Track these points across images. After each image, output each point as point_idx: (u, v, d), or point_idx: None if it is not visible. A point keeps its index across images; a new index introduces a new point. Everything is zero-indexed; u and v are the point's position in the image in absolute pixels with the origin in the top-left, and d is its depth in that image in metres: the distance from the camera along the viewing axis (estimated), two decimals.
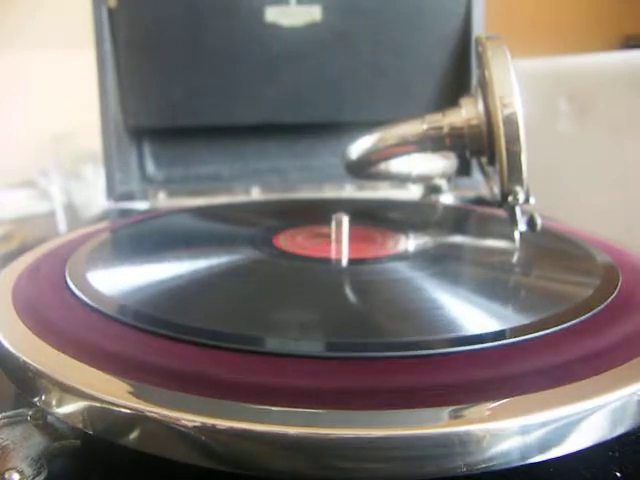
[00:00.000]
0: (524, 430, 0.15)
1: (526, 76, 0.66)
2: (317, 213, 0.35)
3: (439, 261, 0.28)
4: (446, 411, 0.15)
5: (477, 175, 0.55)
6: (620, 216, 0.59)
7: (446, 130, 0.29)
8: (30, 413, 0.19)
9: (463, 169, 0.55)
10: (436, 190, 0.47)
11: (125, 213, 0.51)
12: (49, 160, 0.99)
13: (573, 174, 0.65)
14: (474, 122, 0.28)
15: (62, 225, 0.95)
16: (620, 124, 0.61)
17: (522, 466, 0.16)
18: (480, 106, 0.28)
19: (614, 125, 0.61)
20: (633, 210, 0.58)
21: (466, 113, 0.28)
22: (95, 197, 0.93)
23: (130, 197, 0.54)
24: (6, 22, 0.96)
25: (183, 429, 0.15)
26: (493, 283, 0.26)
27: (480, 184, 0.54)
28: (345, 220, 0.29)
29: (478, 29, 0.55)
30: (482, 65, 0.27)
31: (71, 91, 0.89)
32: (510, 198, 0.27)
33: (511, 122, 0.25)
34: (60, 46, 0.94)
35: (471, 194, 0.54)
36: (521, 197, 0.27)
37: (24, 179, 0.99)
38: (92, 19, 0.52)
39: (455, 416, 0.15)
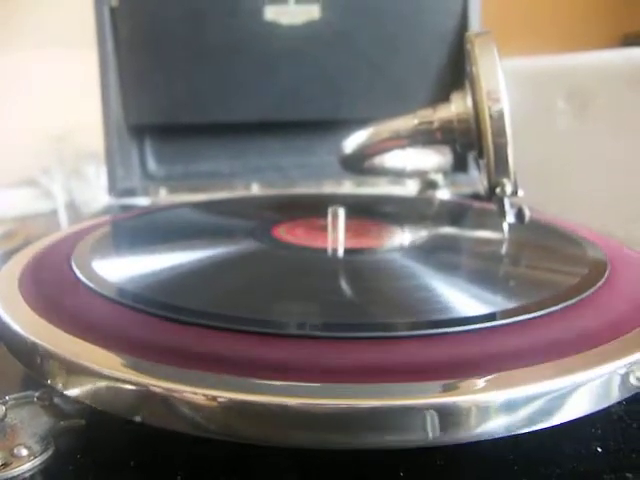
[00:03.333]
0: (509, 403, 0.16)
1: (524, 74, 0.67)
2: (315, 207, 0.36)
3: (434, 251, 0.29)
4: (436, 384, 0.16)
5: (473, 171, 0.56)
6: (619, 212, 0.59)
7: (436, 124, 0.30)
8: (37, 394, 0.19)
9: (459, 166, 0.56)
10: (432, 186, 0.48)
11: (126, 209, 0.51)
12: (51, 159, 0.99)
13: (572, 172, 0.65)
14: (463, 116, 0.29)
15: (64, 223, 0.96)
16: (619, 121, 0.61)
17: (507, 439, 0.16)
18: (469, 101, 0.29)
19: (613, 123, 0.62)
20: (632, 206, 0.59)
21: (455, 108, 0.29)
22: (97, 196, 0.94)
23: (131, 193, 0.55)
24: (8, 22, 0.97)
25: (186, 402, 0.16)
26: (484, 272, 0.27)
27: (476, 180, 0.55)
28: (341, 212, 0.29)
29: (475, 27, 0.55)
30: (470, 61, 0.28)
31: (73, 90, 0.89)
32: (498, 190, 0.28)
33: (497, 116, 0.26)
34: (61, 45, 0.94)
35: (467, 190, 0.55)
36: (508, 189, 0.28)
37: (26, 178, 0.99)
38: (94, 17, 0.52)
39: (444, 389, 0.16)
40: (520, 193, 0.29)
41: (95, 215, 0.49)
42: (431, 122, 0.30)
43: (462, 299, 0.22)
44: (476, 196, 0.53)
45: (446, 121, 0.30)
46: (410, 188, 0.55)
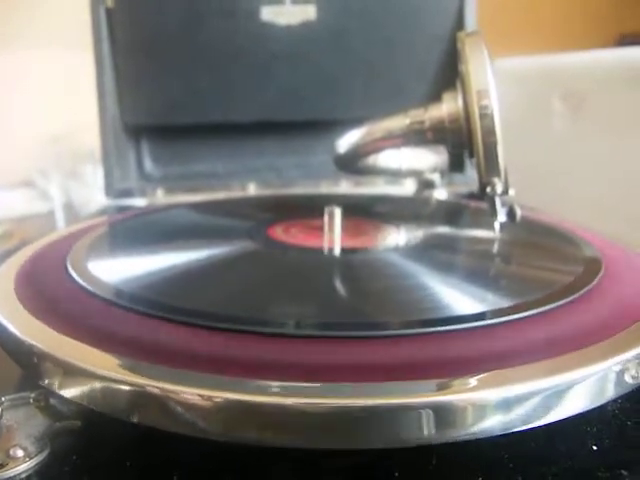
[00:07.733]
0: (505, 401, 0.16)
1: (520, 74, 0.67)
2: (312, 207, 0.36)
3: (429, 251, 0.29)
4: (432, 383, 0.16)
5: (470, 171, 0.56)
6: (616, 213, 0.60)
7: (428, 124, 0.30)
8: (32, 395, 0.20)
9: (456, 165, 0.56)
10: (429, 185, 0.48)
11: (123, 210, 0.51)
12: (48, 160, 0.99)
13: (568, 172, 0.65)
14: (454, 116, 0.29)
15: (61, 224, 0.96)
16: (615, 121, 0.61)
17: (502, 437, 0.16)
18: (460, 100, 0.29)
19: (609, 122, 0.62)
20: (629, 207, 0.59)
21: (446, 107, 0.29)
22: (94, 196, 0.94)
23: (128, 194, 0.55)
24: (6, 22, 0.97)
25: (182, 402, 0.16)
26: (479, 271, 0.27)
27: (473, 180, 0.55)
28: (338, 212, 0.29)
29: (471, 27, 0.56)
30: (461, 61, 0.28)
31: (70, 91, 0.89)
32: (488, 189, 0.28)
33: (487, 115, 0.27)
34: (59, 46, 0.94)
35: (464, 190, 0.55)
36: (499, 188, 0.28)
37: (23, 179, 0.99)
38: (90, 19, 0.52)
39: (440, 388, 0.16)
40: (511, 192, 0.29)
41: (91, 216, 0.49)
42: (422, 122, 0.30)
43: (458, 298, 0.23)
44: (473, 196, 0.53)
45: (437, 121, 0.30)
46: (407, 188, 0.55)
